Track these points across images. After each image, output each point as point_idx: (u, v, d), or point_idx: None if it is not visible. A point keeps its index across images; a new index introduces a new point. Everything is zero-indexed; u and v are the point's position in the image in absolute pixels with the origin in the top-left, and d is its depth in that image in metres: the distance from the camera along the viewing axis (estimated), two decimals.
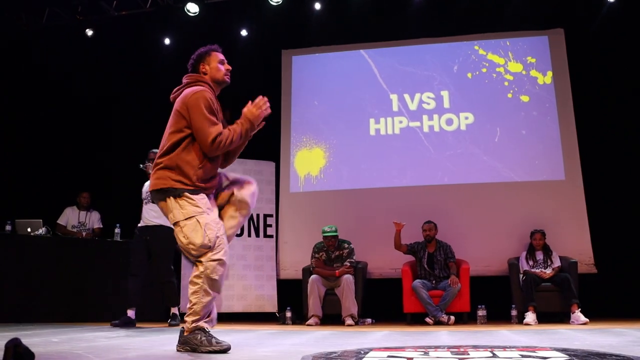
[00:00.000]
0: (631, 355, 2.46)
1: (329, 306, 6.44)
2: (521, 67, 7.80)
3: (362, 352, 2.82)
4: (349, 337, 4.15)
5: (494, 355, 2.59)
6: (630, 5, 7.30)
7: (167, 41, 8.31)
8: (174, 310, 5.91)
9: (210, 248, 2.87)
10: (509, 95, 7.72)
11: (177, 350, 2.88)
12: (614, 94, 7.33)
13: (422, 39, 8.08)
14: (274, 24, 8.07)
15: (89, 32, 8.09)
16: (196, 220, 2.90)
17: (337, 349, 3.06)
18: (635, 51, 7.33)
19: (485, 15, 7.80)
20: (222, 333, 4.68)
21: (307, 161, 7.93)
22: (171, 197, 2.96)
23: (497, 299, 6.55)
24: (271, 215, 7.46)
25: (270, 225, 7.43)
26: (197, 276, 2.86)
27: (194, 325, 2.86)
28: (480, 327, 5.49)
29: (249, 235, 7.31)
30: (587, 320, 5.68)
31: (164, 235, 5.58)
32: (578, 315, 5.76)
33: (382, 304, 6.99)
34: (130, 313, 5.69)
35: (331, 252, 6.56)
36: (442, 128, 7.75)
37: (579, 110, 7.49)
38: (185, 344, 2.87)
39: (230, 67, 3.35)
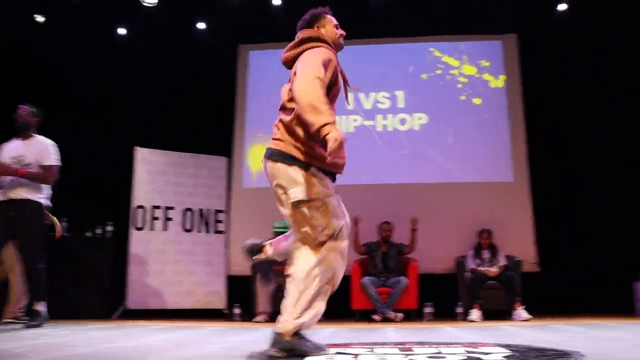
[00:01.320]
0: (568, 350, 2.57)
1: (279, 303, 6.37)
2: (475, 70, 7.97)
3: None
4: None
5: (439, 352, 2.65)
6: (579, 14, 7.55)
7: (121, 31, 8.03)
8: (39, 307, 4.76)
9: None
10: (463, 98, 7.88)
11: (272, 357, 2.50)
12: (563, 99, 7.59)
13: (379, 38, 8.14)
14: (231, 18, 7.97)
15: (40, 19, 7.78)
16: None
17: None
18: (583, 58, 7.60)
19: (442, 18, 7.92)
20: (169, 330, 4.65)
21: (260, 157, 7.83)
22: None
23: (444, 297, 6.67)
24: (222, 211, 7.42)
25: (221, 221, 7.39)
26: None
27: (298, 324, 2.52)
28: (427, 324, 5.59)
29: (199, 230, 7.24)
30: (529, 317, 5.86)
31: (34, 211, 4.81)
32: (521, 312, 5.94)
33: (332, 300, 7.00)
34: None
35: None
36: (396, 128, 7.85)
37: (528, 114, 7.71)
38: (290, 350, 2.48)
39: (344, 33, 2.90)
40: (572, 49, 7.68)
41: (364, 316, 6.40)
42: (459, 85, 7.92)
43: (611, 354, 2.51)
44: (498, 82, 7.90)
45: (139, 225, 6.93)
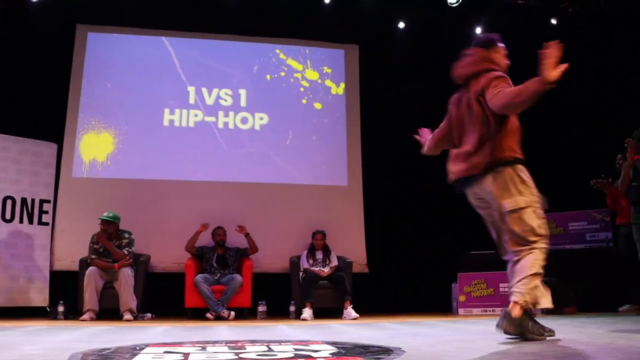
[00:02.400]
0: (390, 346, 2.71)
1: (107, 300, 6.07)
2: (317, 76, 8.20)
3: (138, 348, 2.72)
4: (125, 333, 3.98)
5: (270, 350, 2.67)
6: (417, 32, 8.10)
7: None
8: None
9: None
10: (304, 101, 8.06)
11: (504, 331, 2.87)
12: (396, 109, 8.04)
13: (226, 34, 8.07)
14: None
15: None
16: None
17: (111, 345, 2.92)
18: (418, 72, 8.14)
19: (290, 22, 8.03)
20: None
21: (93, 146, 7.41)
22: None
23: (278, 295, 6.77)
24: (48, 201, 6.85)
25: (46, 212, 6.82)
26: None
27: (524, 304, 2.87)
28: (260, 322, 5.63)
29: (21, 221, 6.61)
30: (357, 315, 6.13)
31: None
32: (350, 311, 6.20)
33: (164, 298, 6.81)
34: None
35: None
36: (237, 126, 7.82)
37: (365, 121, 8.10)
38: (518, 327, 2.85)
39: (510, 63, 3.36)
40: (408, 63, 8.20)
41: (197, 315, 6.29)
42: (302, 89, 8.10)
43: (424, 349, 2.70)
44: (339, 89, 8.21)
45: None
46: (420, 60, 8.19)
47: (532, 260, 2.96)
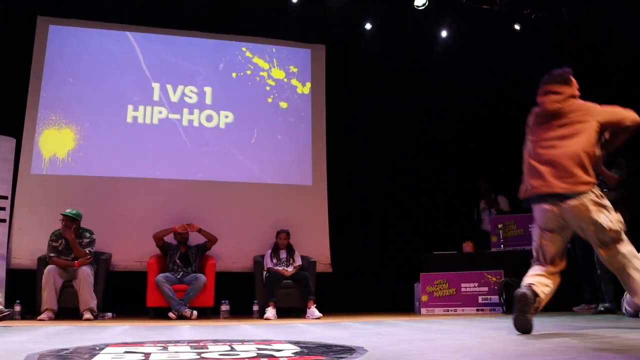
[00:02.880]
0: (353, 345, 2.73)
1: (66, 299, 5.94)
2: (283, 75, 8.19)
3: (97, 348, 2.68)
4: (85, 333, 3.91)
5: (232, 349, 2.66)
6: (383, 33, 8.15)
7: None
8: None
9: None
10: (270, 100, 8.04)
11: None
12: (361, 110, 8.11)
13: (192, 31, 7.99)
14: None
15: None
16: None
17: (69, 346, 2.86)
18: (384, 73, 8.20)
19: (257, 20, 7.99)
20: None
21: (54, 141, 7.25)
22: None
23: (241, 295, 6.74)
24: (6, 198, 6.66)
25: (3, 209, 6.63)
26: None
27: None
28: (223, 322, 5.59)
29: None
30: (320, 315, 6.15)
31: None
32: (313, 311, 6.21)
33: (125, 297, 6.71)
34: None
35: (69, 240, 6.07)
36: (202, 124, 7.75)
37: (330, 121, 8.12)
38: None
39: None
40: (374, 64, 8.26)
41: (160, 314, 6.21)
42: (267, 88, 8.07)
43: (386, 348, 2.72)
44: (304, 88, 8.21)
45: None
46: (386, 62, 8.26)
47: None
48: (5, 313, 5.36)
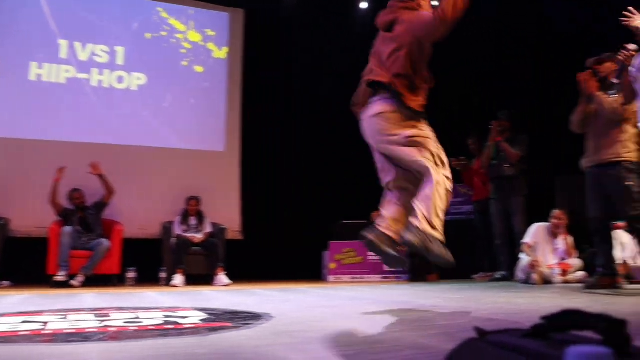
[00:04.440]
0: (260, 312, 2.77)
1: None
2: (200, 38, 7.98)
3: None
4: None
5: (137, 317, 2.63)
6: (304, 2, 8.10)
7: None
8: None
9: None
10: (184, 63, 7.83)
11: (407, 241, 2.61)
12: (279, 77, 8.04)
13: None
14: None
15: None
16: None
17: None
18: (303, 41, 8.16)
19: None
20: None
21: None
22: None
23: (149, 262, 6.62)
24: None
25: None
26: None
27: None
28: (129, 289, 5.50)
29: None
30: (229, 282, 6.17)
31: None
32: (222, 278, 6.22)
33: (25, 265, 6.41)
34: None
35: None
36: (112, 85, 7.43)
37: (246, 88, 8.02)
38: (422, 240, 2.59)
39: None
40: (292, 32, 8.20)
41: (62, 282, 5.98)
42: (183, 51, 7.85)
43: (293, 314, 2.79)
44: (221, 53, 8.05)
45: None
46: (305, 30, 8.22)
47: None
48: None
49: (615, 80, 4.39)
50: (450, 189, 2.75)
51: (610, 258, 4.45)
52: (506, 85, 7.83)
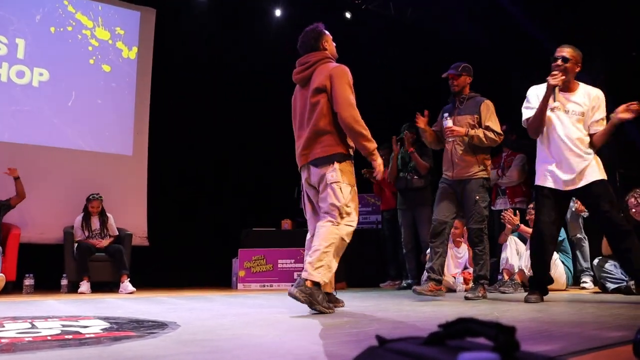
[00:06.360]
0: (166, 321, 2.70)
1: None
2: (109, 36, 7.69)
3: None
4: None
5: (33, 326, 2.49)
6: (215, 6, 8.02)
7: None
8: None
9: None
10: (91, 61, 7.52)
11: (293, 295, 3.05)
12: (189, 79, 7.87)
13: None
14: None
15: None
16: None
17: None
18: (213, 44, 8.07)
19: None
20: None
21: None
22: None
23: (49, 268, 6.31)
24: None
25: None
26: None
27: (319, 278, 3.09)
28: (26, 297, 5.20)
29: None
30: (134, 289, 5.98)
31: None
32: (127, 285, 6.02)
33: None
34: None
35: None
36: (11, 79, 6.98)
37: (155, 90, 7.81)
38: (309, 295, 3.04)
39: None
40: (203, 34, 8.07)
41: None
42: (90, 48, 7.53)
43: (199, 322, 2.74)
44: (130, 53, 7.81)
45: None
46: (216, 33, 8.13)
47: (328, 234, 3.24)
48: None
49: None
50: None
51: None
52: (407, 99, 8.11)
